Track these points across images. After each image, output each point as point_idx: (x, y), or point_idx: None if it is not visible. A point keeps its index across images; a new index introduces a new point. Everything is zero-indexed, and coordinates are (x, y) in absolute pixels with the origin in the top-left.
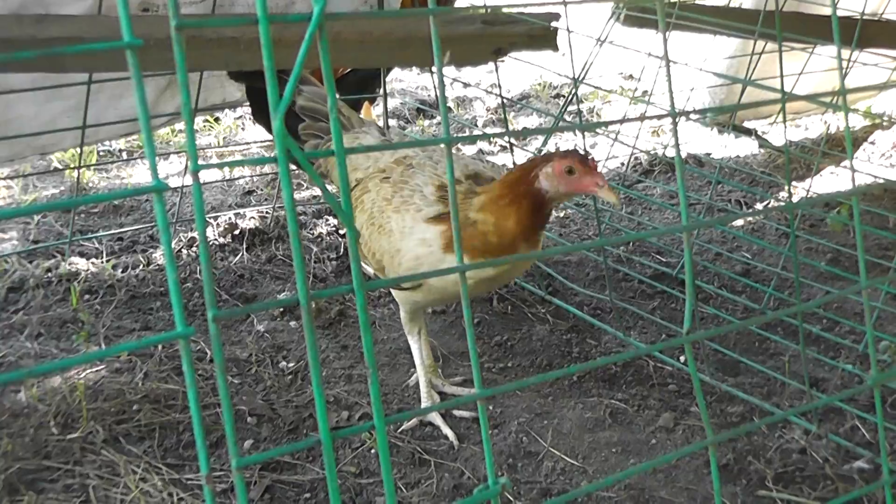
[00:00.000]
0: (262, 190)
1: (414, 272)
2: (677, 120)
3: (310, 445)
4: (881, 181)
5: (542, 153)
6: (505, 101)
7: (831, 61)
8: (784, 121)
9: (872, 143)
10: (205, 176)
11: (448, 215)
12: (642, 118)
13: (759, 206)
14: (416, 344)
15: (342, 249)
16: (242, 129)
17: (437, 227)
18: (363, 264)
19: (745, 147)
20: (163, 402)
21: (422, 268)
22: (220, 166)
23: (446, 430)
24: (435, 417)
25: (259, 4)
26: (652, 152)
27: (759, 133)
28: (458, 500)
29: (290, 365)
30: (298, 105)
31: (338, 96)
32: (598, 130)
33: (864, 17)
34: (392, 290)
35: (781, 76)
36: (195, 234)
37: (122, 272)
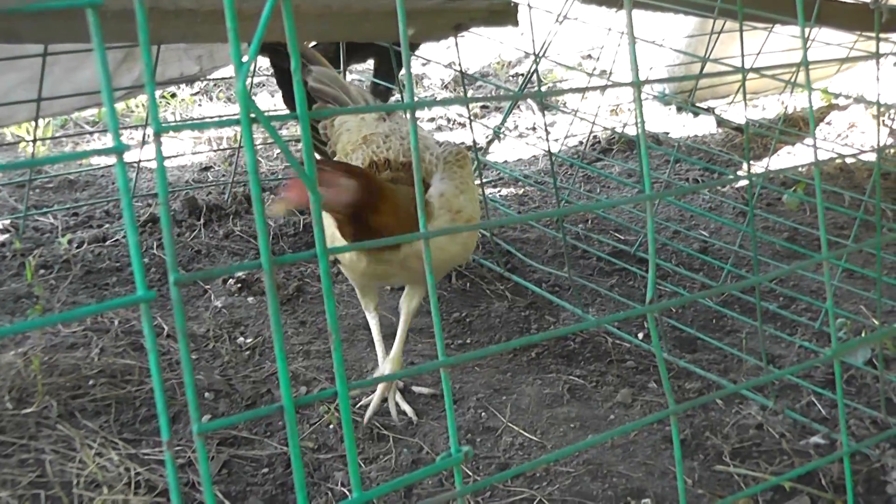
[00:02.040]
0: (219, 166)
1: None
2: (640, 89)
3: (272, 412)
4: (839, 156)
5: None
6: (464, 75)
7: (790, 41)
8: (744, 97)
9: (829, 123)
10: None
11: None
12: (605, 87)
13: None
14: (374, 320)
15: (300, 226)
16: (199, 104)
17: None
18: None
19: (702, 127)
20: (119, 377)
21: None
22: (183, 128)
23: (404, 406)
24: (393, 395)
25: None
26: (611, 130)
27: (718, 112)
28: (421, 469)
29: (248, 340)
30: (309, 86)
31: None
32: (557, 108)
33: None
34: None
35: (742, 51)
36: (153, 210)
37: (78, 247)
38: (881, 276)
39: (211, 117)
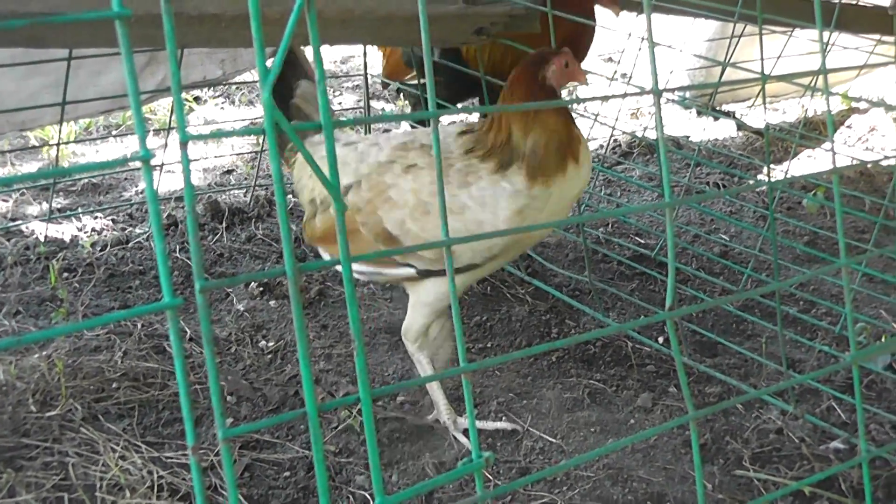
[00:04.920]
0: (241, 170)
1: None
2: (660, 97)
3: (296, 417)
4: (858, 162)
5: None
6: (485, 80)
7: (809, 45)
8: (763, 102)
9: (849, 126)
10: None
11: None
12: (625, 95)
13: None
14: (425, 359)
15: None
16: (222, 108)
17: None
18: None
19: (723, 130)
20: (142, 381)
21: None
22: (209, 137)
23: (462, 439)
24: (458, 434)
25: None
26: (631, 134)
27: (738, 116)
28: (442, 475)
29: (270, 344)
30: (293, 103)
31: None
32: (578, 111)
33: (842, 2)
34: (423, 289)
35: (762, 56)
36: (173, 213)
37: (101, 250)
38: None
39: (233, 121)
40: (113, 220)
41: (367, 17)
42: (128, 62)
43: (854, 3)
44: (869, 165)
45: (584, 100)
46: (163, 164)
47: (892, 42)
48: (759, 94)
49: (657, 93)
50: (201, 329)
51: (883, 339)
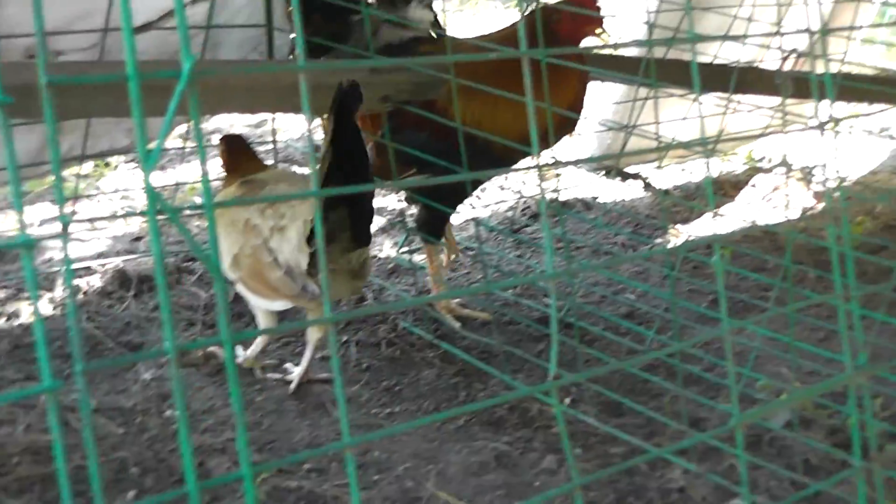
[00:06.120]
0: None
1: None
2: (557, 170)
3: (177, 496)
4: (749, 225)
5: None
6: (396, 152)
7: (715, 108)
8: (660, 166)
9: (754, 185)
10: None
11: None
12: (528, 168)
13: (643, 249)
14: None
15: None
16: (133, 174)
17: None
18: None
19: (631, 191)
20: (44, 454)
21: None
22: (89, 221)
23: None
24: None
25: (129, 61)
26: (539, 197)
27: (645, 177)
28: None
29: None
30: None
31: None
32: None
33: (741, 66)
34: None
35: (657, 122)
36: (87, 279)
37: (6, 321)
38: (794, 342)
39: (143, 188)
40: (18, 290)
41: (275, 84)
42: (8, 147)
43: (756, 65)
44: (773, 221)
45: (492, 173)
46: (70, 233)
47: (796, 102)
48: (663, 156)
49: (538, 167)
50: (81, 410)
51: (783, 397)
